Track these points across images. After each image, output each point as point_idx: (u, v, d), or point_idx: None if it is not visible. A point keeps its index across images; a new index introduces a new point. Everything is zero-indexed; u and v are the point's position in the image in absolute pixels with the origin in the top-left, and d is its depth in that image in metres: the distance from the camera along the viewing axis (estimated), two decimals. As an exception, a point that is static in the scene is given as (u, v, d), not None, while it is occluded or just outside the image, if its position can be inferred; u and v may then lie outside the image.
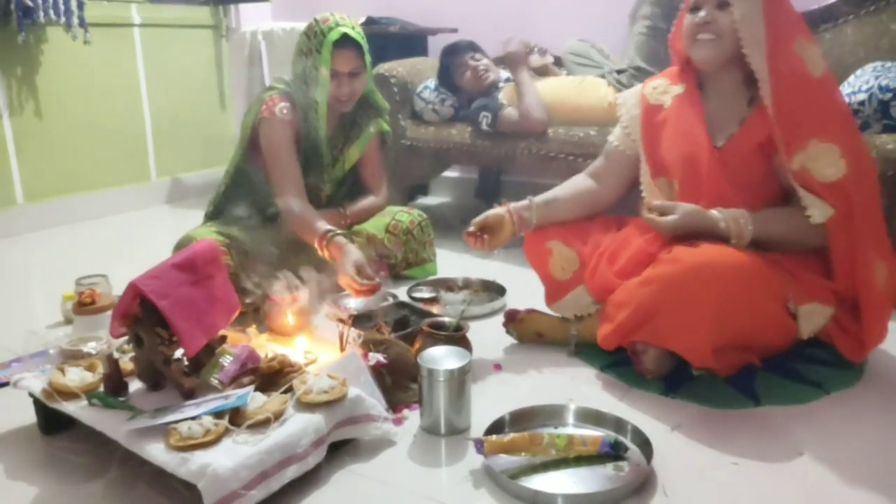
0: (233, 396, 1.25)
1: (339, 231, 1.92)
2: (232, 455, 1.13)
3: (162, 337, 1.28)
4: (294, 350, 1.67)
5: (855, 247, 1.54)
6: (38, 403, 1.41)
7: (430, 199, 3.65)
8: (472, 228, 1.76)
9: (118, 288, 1.91)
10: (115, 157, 3.51)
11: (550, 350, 1.77)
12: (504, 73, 2.84)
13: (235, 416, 1.22)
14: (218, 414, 1.21)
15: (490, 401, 1.50)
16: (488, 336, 1.85)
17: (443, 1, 3.45)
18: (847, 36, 2.52)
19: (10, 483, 1.28)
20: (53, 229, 3.20)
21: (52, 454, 1.36)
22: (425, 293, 2.17)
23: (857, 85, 2.12)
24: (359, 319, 1.79)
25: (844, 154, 1.51)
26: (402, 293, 2.14)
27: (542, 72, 2.76)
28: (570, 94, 2.60)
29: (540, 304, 1.85)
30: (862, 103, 2.07)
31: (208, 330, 1.34)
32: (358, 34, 2.04)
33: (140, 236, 3.22)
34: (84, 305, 1.78)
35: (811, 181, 1.53)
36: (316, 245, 1.91)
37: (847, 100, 2.07)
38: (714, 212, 1.57)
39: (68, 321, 2.02)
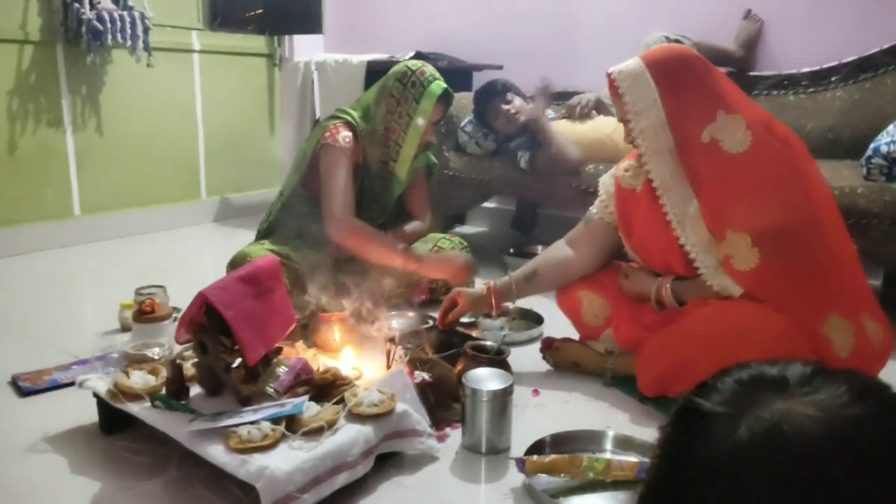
0: (289, 404, 1.32)
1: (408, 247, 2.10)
2: (288, 459, 1.20)
3: (225, 345, 1.35)
4: (341, 364, 1.73)
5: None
6: (101, 403, 1.50)
7: (468, 228, 3.73)
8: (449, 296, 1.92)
9: (173, 299, 2.02)
10: (169, 176, 3.66)
11: (587, 379, 1.82)
12: (552, 114, 2.93)
13: (291, 423, 1.28)
14: (275, 420, 1.28)
15: (528, 423, 1.55)
16: (526, 362, 1.90)
17: (488, 38, 3.57)
18: (887, 86, 2.57)
19: (76, 477, 1.35)
20: (107, 242, 3.34)
21: (113, 452, 1.44)
22: (465, 318, 2.23)
23: (896, 134, 2.16)
24: (402, 339, 1.86)
25: (756, 243, 1.49)
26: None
27: (598, 109, 2.83)
28: (609, 135, 2.68)
29: (575, 333, 1.92)
30: (902, 152, 2.10)
31: (267, 341, 1.42)
32: (450, 90, 2.19)
33: (189, 252, 3.35)
34: (144, 314, 1.87)
35: (731, 269, 1.53)
36: (395, 257, 2.06)
37: (887, 148, 2.11)
38: (651, 282, 1.71)
39: (125, 328, 2.12)
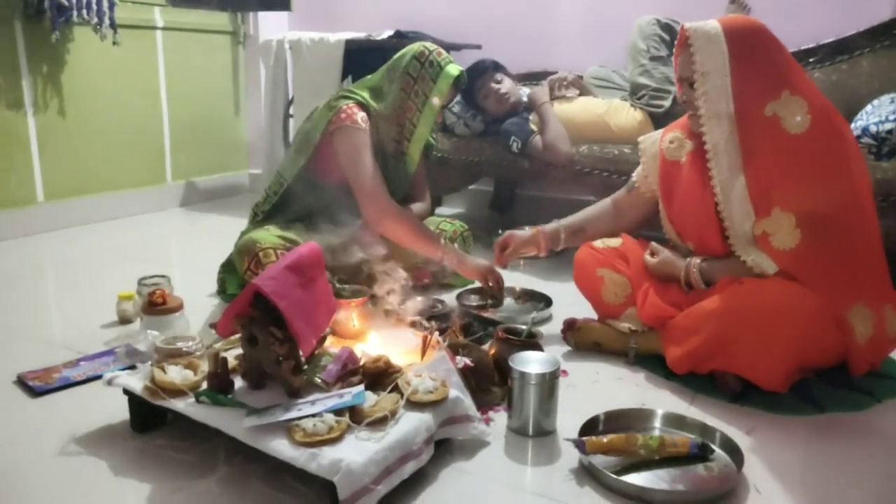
0: (348, 395, 1.29)
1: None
2: (360, 451, 1.17)
3: (276, 337, 1.31)
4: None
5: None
6: (133, 401, 1.43)
7: (445, 210, 3.71)
8: (501, 238, 2.01)
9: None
10: (134, 159, 3.51)
11: (610, 358, 1.85)
12: (526, 91, 2.92)
13: (352, 414, 1.26)
14: (337, 412, 1.25)
15: (564, 404, 1.55)
16: (543, 343, 1.91)
17: (468, 18, 3.54)
18: (863, 68, 2.68)
19: (122, 480, 1.29)
20: (72, 229, 3.19)
21: (153, 452, 1.38)
22: (474, 301, 2.23)
23: (883, 115, 2.26)
24: (419, 324, 1.85)
25: (800, 223, 1.54)
26: (449, 300, 2.19)
27: (581, 90, 2.84)
28: (601, 115, 2.71)
29: (581, 312, 1.97)
30: (890, 132, 2.20)
31: (316, 331, 1.38)
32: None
33: (157, 238, 3.23)
34: (155, 305, 1.80)
35: (769, 246, 1.58)
36: (437, 250, 2.09)
37: (876, 128, 2.21)
38: (680, 262, 1.75)
39: (123, 320, 2.03)
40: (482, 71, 2.86)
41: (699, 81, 1.62)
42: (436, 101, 2.09)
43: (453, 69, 2.11)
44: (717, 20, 1.63)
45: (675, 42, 1.71)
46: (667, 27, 2.74)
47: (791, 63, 1.62)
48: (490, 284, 2.09)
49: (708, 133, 1.63)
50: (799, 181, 1.55)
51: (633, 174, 1.96)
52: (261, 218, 2.24)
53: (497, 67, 2.89)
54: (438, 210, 3.66)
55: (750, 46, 1.60)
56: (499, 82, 2.84)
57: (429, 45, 2.14)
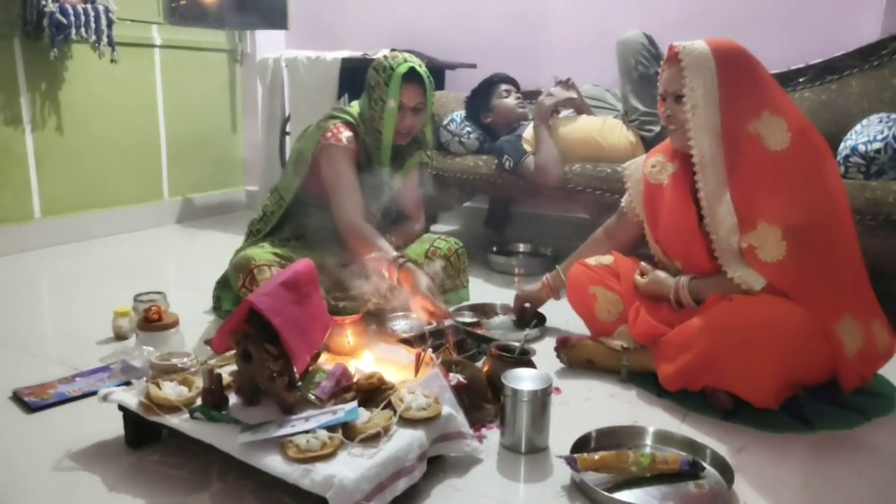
0: (341, 411, 1.30)
1: (408, 258, 1.98)
2: (353, 467, 1.18)
3: (270, 353, 1.32)
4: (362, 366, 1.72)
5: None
6: (128, 417, 1.44)
7: (440, 227, 3.73)
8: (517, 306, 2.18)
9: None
10: (131, 176, 3.53)
11: (603, 376, 1.86)
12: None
13: (346, 431, 1.27)
14: (330, 428, 1.26)
15: (556, 421, 1.56)
16: (536, 360, 1.92)
17: (463, 37, 3.58)
18: (852, 87, 2.71)
19: (115, 496, 1.29)
20: (69, 245, 3.19)
21: (148, 467, 1.38)
22: (467, 318, 2.25)
23: (871, 134, 2.28)
24: (413, 341, 1.87)
25: (785, 235, 1.57)
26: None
27: (578, 108, 2.87)
28: (594, 134, 2.74)
29: (575, 329, 2.01)
30: (878, 151, 2.22)
31: (310, 347, 1.39)
32: (424, 73, 2.14)
33: (154, 254, 3.24)
34: (150, 322, 1.81)
35: (755, 259, 1.60)
36: (384, 270, 1.93)
37: (864, 147, 2.24)
38: (669, 281, 1.78)
39: (119, 336, 2.04)
40: (496, 79, 2.96)
41: (688, 95, 1.65)
42: (392, 103, 2.10)
43: (403, 67, 2.10)
44: (704, 41, 1.67)
45: (664, 57, 1.75)
46: (652, 41, 2.77)
47: (771, 85, 1.67)
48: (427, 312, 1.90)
49: (696, 146, 1.66)
50: (782, 195, 1.59)
51: (622, 201, 2.01)
52: (258, 236, 2.26)
53: (511, 80, 2.98)
54: (434, 227, 3.68)
55: (735, 66, 1.65)
56: (508, 93, 2.89)
57: (390, 53, 2.17)
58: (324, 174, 2.09)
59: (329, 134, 2.09)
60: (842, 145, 2.33)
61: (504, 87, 2.95)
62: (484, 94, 2.95)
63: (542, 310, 2.29)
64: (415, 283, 1.86)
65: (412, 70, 2.10)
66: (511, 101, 2.92)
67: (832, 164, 1.69)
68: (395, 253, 1.97)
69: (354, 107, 2.23)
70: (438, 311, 1.83)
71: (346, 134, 2.10)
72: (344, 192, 2.05)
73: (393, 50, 3.24)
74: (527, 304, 2.22)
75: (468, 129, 2.96)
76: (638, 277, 1.84)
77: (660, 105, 1.77)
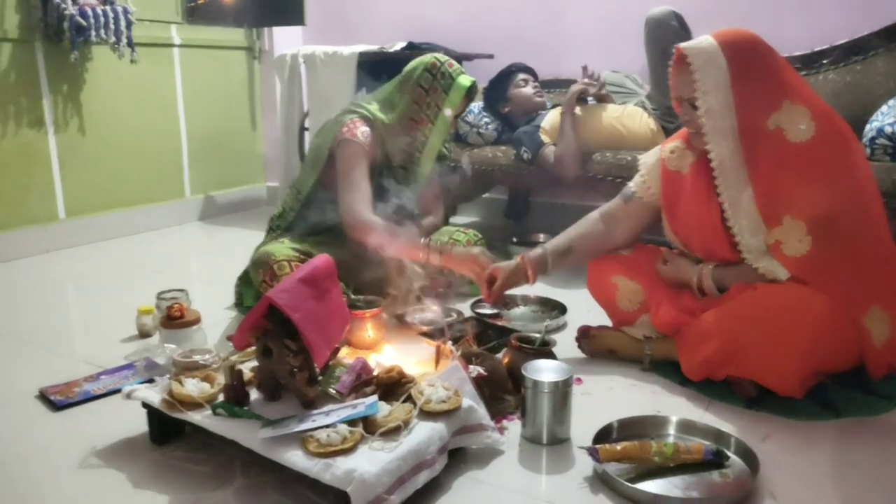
0: (361, 405, 1.31)
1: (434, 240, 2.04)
2: (373, 461, 1.19)
3: (290, 348, 1.33)
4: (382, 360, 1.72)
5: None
6: (152, 414, 1.46)
7: (460, 219, 3.72)
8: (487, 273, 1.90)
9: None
10: (153, 175, 3.57)
11: (624, 365, 1.84)
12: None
13: (366, 424, 1.27)
14: (350, 422, 1.27)
15: (579, 412, 1.55)
16: (558, 350, 1.91)
17: (480, 28, 3.56)
18: (878, 68, 2.65)
19: (141, 492, 1.31)
20: (93, 245, 3.24)
21: (172, 464, 1.40)
22: (487, 309, 2.24)
23: (899, 115, 2.23)
24: (433, 334, 1.87)
25: (810, 230, 1.53)
26: (463, 309, 2.20)
27: (600, 98, 2.84)
28: (614, 122, 2.71)
29: (597, 319, 1.97)
30: (907, 132, 2.18)
31: (329, 342, 1.40)
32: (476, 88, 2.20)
33: (176, 252, 3.28)
34: (173, 319, 1.82)
35: (780, 254, 1.57)
36: (417, 251, 1.98)
37: (891, 129, 2.19)
38: (692, 269, 1.74)
39: (143, 334, 2.06)
40: (515, 68, 2.96)
41: (701, 100, 1.60)
42: (448, 112, 2.11)
43: (465, 80, 2.13)
44: (712, 35, 1.62)
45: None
46: (682, 22, 2.70)
47: (789, 71, 1.62)
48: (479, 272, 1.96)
49: (713, 150, 1.62)
50: (807, 188, 1.54)
51: (631, 184, 1.91)
52: (278, 231, 2.27)
53: (529, 70, 2.98)
54: (453, 219, 3.67)
55: (748, 60, 1.59)
56: (525, 82, 2.87)
57: (440, 56, 2.17)
58: (338, 168, 2.09)
59: (345, 129, 2.09)
60: (867, 127, 2.28)
61: (521, 76, 2.93)
62: (501, 84, 2.94)
63: (564, 300, 2.28)
64: (445, 251, 1.96)
65: (473, 84, 2.15)
66: (528, 90, 2.91)
67: (859, 151, 1.64)
68: (421, 239, 2.01)
69: (372, 102, 2.22)
70: (483, 261, 1.92)
71: (362, 129, 2.10)
72: (351, 188, 2.05)
73: (410, 43, 3.25)
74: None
75: (486, 119, 2.95)
76: (660, 265, 1.82)
77: (676, 107, 1.73)
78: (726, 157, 1.60)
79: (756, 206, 1.58)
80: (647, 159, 1.89)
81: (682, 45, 1.63)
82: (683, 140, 1.78)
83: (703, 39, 1.61)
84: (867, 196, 1.59)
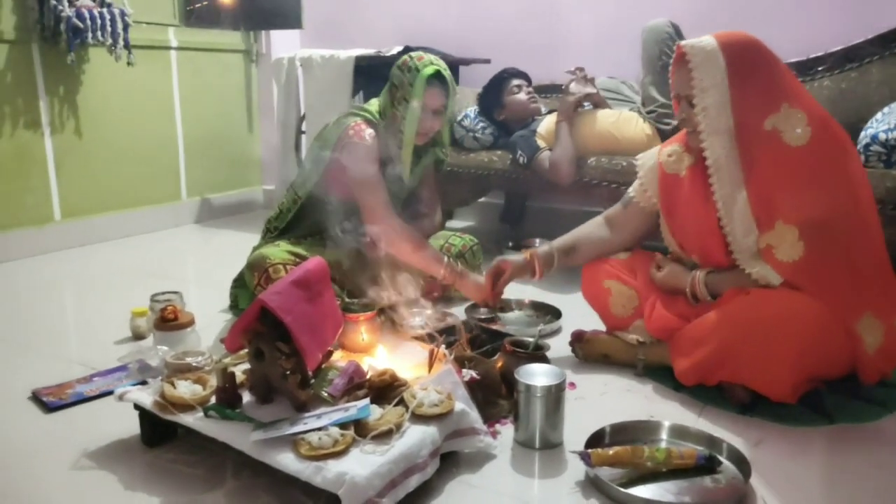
0: (353, 409, 1.30)
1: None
2: (364, 464, 1.18)
3: (282, 351, 1.33)
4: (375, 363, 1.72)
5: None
6: (144, 416, 1.45)
7: (456, 223, 3.73)
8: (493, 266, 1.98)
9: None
10: (149, 177, 3.56)
11: (618, 370, 1.84)
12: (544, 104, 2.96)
13: (358, 428, 1.27)
14: (342, 425, 1.26)
15: (572, 416, 1.55)
16: (552, 355, 1.91)
17: (477, 33, 3.57)
18: (872, 75, 2.66)
19: (132, 494, 1.31)
20: (88, 247, 3.23)
21: (163, 466, 1.40)
22: (483, 314, 2.24)
23: (893, 122, 2.23)
24: (426, 338, 1.86)
25: (802, 235, 1.53)
26: (458, 313, 2.20)
27: (596, 103, 2.84)
28: (609, 127, 2.71)
29: (591, 324, 1.97)
30: (904, 139, 2.18)
31: (321, 345, 1.40)
32: (448, 76, 2.15)
33: (172, 254, 3.27)
34: (166, 321, 1.82)
35: (772, 258, 1.57)
36: (439, 268, 2.11)
37: (885, 136, 2.19)
38: (686, 275, 1.75)
39: (137, 336, 2.06)
40: (509, 73, 2.95)
41: (698, 98, 1.61)
42: (415, 104, 2.09)
43: (428, 69, 2.10)
44: (713, 36, 1.62)
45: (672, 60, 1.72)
46: (678, 31, 2.72)
47: (788, 75, 1.62)
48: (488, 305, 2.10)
49: (709, 149, 1.62)
50: (800, 193, 1.54)
51: (630, 189, 1.93)
52: (274, 233, 2.27)
53: (524, 75, 2.97)
54: (449, 223, 3.67)
55: (747, 61, 1.59)
56: (520, 88, 2.87)
57: (414, 53, 2.17)
58: (350, 172, 2.08)
59: (351, 131, 2.08)
60: (862, 134, 2.29)
61: (515, 82, 2.93)
62: (495, 91, 2.94)
63: (558, 305, 2.28)
64: (461, 274, 2.08)
65: (437, 73, 2.11)
66: (522, 96, 2.91)
67: (855, 158, 1.64)
68: (444, 257, 2.09)
69: (374, 104, 2.23)
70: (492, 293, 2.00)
71: (368, 131, 2.10)
72: (373, 192, 2.07)
73: (407, 48, 3.25)
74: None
75: (482, 124, 2.95)
76: (654, 271, 1.82)
77: (674, 106, 1.74)
78: (722, 155, 1.61)
79: (749, 208, 1.58)
80: (644, 161, 1.89)
81: (683, 42, 1.64)
82: (681, 143, 1.79)
83: (704, 38, 1.63)
84: (862, 203, 1.59)
